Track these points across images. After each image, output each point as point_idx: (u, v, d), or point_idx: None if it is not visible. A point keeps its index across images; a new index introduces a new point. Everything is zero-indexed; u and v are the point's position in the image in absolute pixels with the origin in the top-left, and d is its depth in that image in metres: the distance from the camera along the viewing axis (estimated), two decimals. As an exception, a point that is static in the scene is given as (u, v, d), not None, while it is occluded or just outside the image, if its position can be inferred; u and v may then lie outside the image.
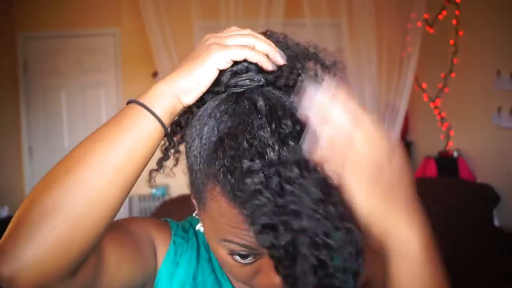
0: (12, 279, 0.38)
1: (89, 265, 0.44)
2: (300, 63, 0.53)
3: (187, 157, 0.53)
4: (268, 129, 0.43)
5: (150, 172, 0.63)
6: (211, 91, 0.50)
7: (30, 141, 3.88)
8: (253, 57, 0.47)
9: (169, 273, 0.60)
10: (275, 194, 0.39)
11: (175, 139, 0.59)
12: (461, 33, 2.96)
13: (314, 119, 0.40)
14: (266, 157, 0.41)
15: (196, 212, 0.59)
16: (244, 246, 0.46)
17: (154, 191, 3.72)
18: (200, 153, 0.49)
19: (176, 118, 0.51)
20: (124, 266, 0.52)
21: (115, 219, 0.51)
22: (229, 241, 0.47)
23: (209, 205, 0.49)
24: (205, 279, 0.61)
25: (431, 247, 0.45)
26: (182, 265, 0.61)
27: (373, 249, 0.45)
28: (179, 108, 0.48)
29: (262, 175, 0.40)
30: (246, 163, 0.40)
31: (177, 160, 0.63)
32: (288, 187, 0.39)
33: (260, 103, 0.46)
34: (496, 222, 2.52)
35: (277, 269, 0.42)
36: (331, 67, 0.55)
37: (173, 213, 2.79)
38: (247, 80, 0.49)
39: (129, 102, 0.47)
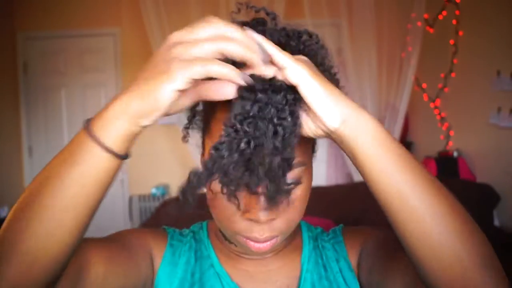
0: None
1: (66, 282, 0.46)
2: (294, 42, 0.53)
3: None
4: None
5: (183, 130, 0.67)
6: None
7: (30, 141, 3.88)
8: (219, 73, 0.40)
9: (168, 274, 0.63)
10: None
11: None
12: (461, 33, 2.97)
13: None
14: None
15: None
16: None
17: (154, 191, 3.72)
18: None
19: None
20: (111, 277, 0.53)
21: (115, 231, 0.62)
22: None
23: (213, 127, 0.53)
24: (203, 274, 0.64)
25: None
26: (180, 266, 0.65)
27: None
28: (137, 130, 0.44)
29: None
30: None
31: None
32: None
33: None
34: (496, 222, 2.52)
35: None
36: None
37: (173, 213, 2.79)
38: None
39: (85, 122, 0.43)
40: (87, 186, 0.42)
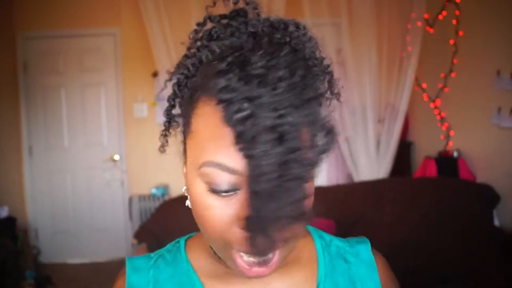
0: None
1: None
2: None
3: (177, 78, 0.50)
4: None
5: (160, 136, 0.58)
6: None
7: (30, 141, 3.88)
8: None
9: None
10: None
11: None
12: (461, 33, 2.96)
13: None
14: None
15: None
16: (225, 167, 0.41)
17: (154, 191, 3.72)
18: (193, 64, 0.47)
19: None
20: None
21: None
22: (211, 163, 0.42)
23: (195, 125, 0.45)
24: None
25: None
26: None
27: None
28: None
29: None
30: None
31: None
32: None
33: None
34: (496, 222, 2.52)
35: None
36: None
37: (173, 213, 2.80)
38: None
39: None
40: None
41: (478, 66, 2.83)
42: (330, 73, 0.51)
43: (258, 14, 0.49)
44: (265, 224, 0.38)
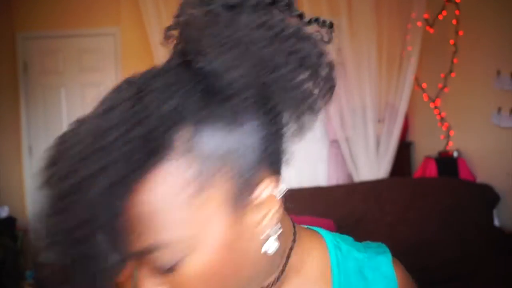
0: None
1: None
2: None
3: None
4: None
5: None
6: None
7: (30, 141, 3.88)
8: None
9: None
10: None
11: None
12: (461, 33, 2.96)
13: None
14: None
15: None
16: None
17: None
18: None
19: None
20: None
21: None
22: None
23: None
24: None
25: None
26: None
27: None
28: None
29: None
30: None
31: None
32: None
33: None
34: (496, 222, 2.52)
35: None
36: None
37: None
38: None
39: None
40: None
41: (478, 66, 2.83)
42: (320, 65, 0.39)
43: None
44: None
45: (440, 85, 3.20)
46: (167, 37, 0.38)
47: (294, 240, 0.48)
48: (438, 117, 3.27)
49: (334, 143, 3.67)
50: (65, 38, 3.83)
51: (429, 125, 3.40)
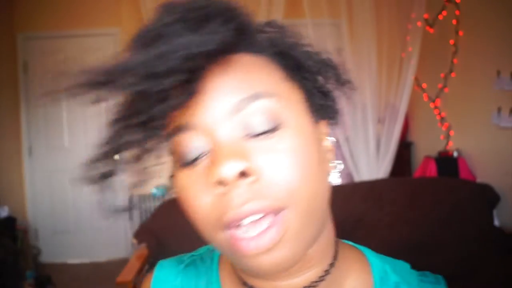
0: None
1: None
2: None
3: None
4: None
5: None
6: None
7: (30, 141, 3.88)
8: None
9: None
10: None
11: None
12: (461, 33, 2.96)
13: None
14: None
15: None
16: (184, 127, 0.38)
17: (154, 191, 3.72)
18: None
19: None
20: None
21: None
22: (176, 129, 0.38)
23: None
24: None
25: None
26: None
27: None
28: None
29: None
30: None
31: None
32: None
33: None
34: (496, 222, 2.52)
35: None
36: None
37: (173, 213, 2.79)
38: None
39: None
40: None
41: (478, 66, 2.83)
42: (334, 66, 0.46)
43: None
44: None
45: (440, 85, 3.20)
46: None
47: (335, 254, 0.45)
48: (438, 117, 3.27)
49: (334, 143, 3.67)
50: (66, 38, 3.84)
51: (429, 125, 3.40)
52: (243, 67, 0.38)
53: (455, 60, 3.05)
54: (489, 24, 2.70)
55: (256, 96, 0.37)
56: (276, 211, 0.35)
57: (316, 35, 3.02)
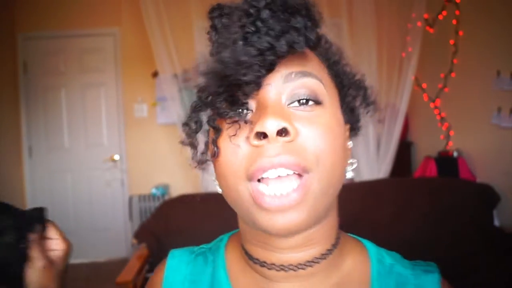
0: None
1: None
2: None
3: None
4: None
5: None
6: None
7: (30, 141, 3.88)
8: None
9: None
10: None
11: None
12: (461, 33, 2.97)
13: None
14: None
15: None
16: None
17: (154, 191, 3.72)
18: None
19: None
20: None
21: None
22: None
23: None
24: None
25: None
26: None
27: None
28: None
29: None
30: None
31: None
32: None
33: None
34: (496, 222, 2.52)
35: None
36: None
37: (173, 213, 2.79)
38: None
39: None
40: None
41: (478, 66, 2.83)
42: (364, 87, 0.53)
43: None
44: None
45: (440, 85, 3.20)
46: None
47: (337, 238, 0.50)
48: (438, 117, 3.27)
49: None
50: (66, 38, 3.84)
51: (429, 125, 3.40)
52: (304, 53, 0.44)
53: (455, 60, 3.05)
54: (489, 24, 2.70)
55: (304, 73, 0.43)
56: (302, 171, 0.40)
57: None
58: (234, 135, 0.41)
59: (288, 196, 0.39)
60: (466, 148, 3.00)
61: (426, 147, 3.45)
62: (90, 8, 3.76)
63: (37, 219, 0.53)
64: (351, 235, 0.54)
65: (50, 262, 0.55)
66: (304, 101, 0.42)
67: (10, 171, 3.71)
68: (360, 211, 2.49)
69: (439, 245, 2.19)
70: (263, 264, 0.46)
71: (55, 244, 0.61)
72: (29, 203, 3.88)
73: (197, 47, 2.77)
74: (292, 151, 0.39)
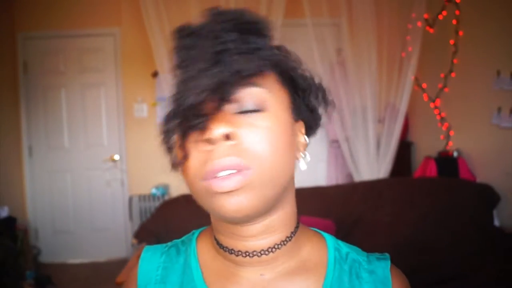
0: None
1: None
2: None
3: None
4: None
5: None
6: None
7: (30, 141, 3.88)
8: None
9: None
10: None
11: None
12: (461, 33, 2.97)
13: None
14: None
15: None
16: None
17: (154, 191, 3.72)
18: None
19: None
20: None
21: None
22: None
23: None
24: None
25: None
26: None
27: None
28: None
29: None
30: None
31: None
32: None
33: None
34: (496, 222, 2.52)
35: None
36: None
37: (173, 213, 2.79)
38: None
39: None
40: None
41: (478, 66, 2.83)
42: (322, 89, 0.57)
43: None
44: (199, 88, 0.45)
45: (440, 85, 3.20)
46: None
47: (296, 227, 0.55)
48: (438, 117, 3.27)
49: (334, 143, 3.67)
50: (66, 38, 3.84)
51: (429, 125, 3.40)
52: None
53: (455, 60, 3.05)
54: (489, 24, 2.70)
55: (251, 84, 0.47)
56: (244, 169, 0.46)
57: (316, 35, 3.02)
58: (191, 141, 0.48)
59: (232, 180, 0.45)
60: (466, 148, 3.00)
61: (426, 147, 3.46)
62: (90, 8, 3.76)
63: None
64: (313, 229, 0.60)
65: None
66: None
67: (10, 171, 3.71)
68: (361, 211, 2.49)
69: (439, 245, 2.19)
70: (231, 251, 0.53)
71: None
72: (29, 203, 3.88)
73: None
74: (236, 153, 0.46)
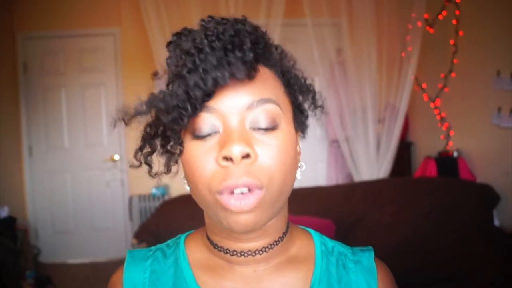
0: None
1: None
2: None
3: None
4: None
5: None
6: None
7: (30, 141, 3.88)
8: None
9: None
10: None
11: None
12: (461, 33, 2.97)
13: None
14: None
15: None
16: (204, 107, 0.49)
17: (154, 191, 3.72)
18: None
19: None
20: None
21: None
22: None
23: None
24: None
25: None
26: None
27: None
28: None
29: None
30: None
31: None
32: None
33: None
34: (496, 222, 2.52)
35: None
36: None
37: (173, 213, 2.79)
38: None
39: None
40: None
41: (478, 66, 2.83)
42: (313, 91, 0.59)
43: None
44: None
45: (440, 85, 3.20)
46: None
47: (287, 228, 0.59)
48: (438, 117, 3.27)
49: (334, 143, 3.67)
50: (66, 38, 3.84)
51: (429, 125, 3.40)
52: (261, 76, 0.51)
53: (455, 60, 3.05)
54: (489, 24, 2.70)
55: (265, 101, 0.50)
56: (256, 188, 0.48)
57: (316, 35, 3.02)
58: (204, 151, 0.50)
59: (248, 201, 0.48)
60: (466, 148, 3.00)
61: (426, 147, 3.46)
62: (90, 8, 3.76)
63: None
64: (301, 226, 0.63)
65: None
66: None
67: (10, 171, 3.71)
68: (361, 211, 2.49)
69: (439, 245, 2.19)
70: (226, 251, 0.56)
71: None
72: (29, 203, 3.88)
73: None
74: (252, 173, 0.48)
